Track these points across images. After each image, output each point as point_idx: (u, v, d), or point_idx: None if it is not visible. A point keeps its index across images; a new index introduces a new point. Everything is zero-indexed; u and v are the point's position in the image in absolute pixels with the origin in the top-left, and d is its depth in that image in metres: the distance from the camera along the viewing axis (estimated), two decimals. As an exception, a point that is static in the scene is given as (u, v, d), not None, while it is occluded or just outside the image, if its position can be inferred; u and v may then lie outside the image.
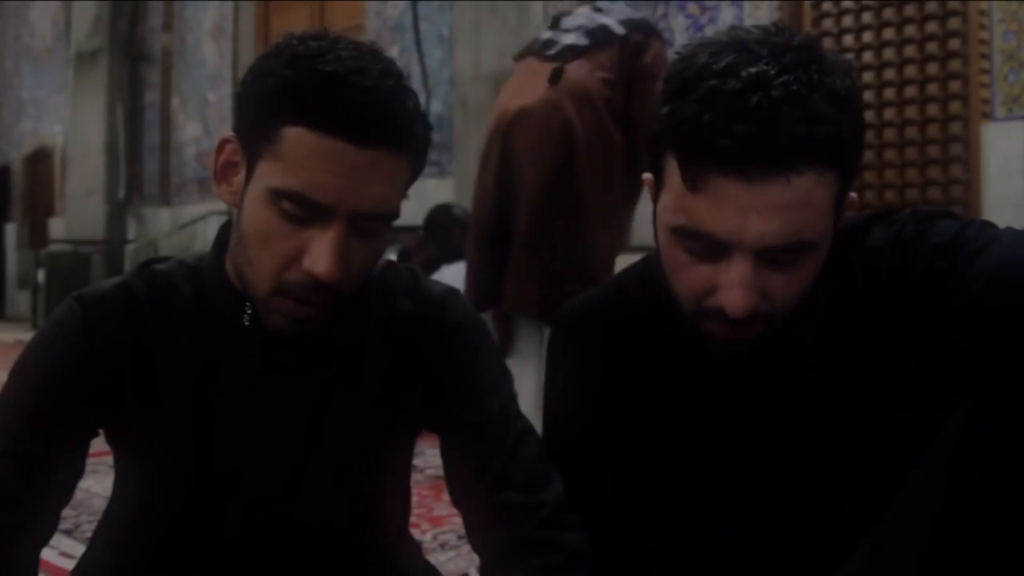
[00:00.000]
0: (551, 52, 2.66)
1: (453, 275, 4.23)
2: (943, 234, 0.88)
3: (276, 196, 0.88)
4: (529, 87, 2.63)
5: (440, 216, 4.57)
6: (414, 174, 0.94)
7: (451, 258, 4.40)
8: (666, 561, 1.05)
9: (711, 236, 0.83)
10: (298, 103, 0.86)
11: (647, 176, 0.94)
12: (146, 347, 0.96)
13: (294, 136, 0.86)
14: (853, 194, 0.90)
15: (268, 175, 0.88)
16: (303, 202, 0.87)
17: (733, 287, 0.83)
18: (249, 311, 0.96)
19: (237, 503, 0.97)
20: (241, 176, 0.93)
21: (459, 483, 1.04)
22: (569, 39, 2.65)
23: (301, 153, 0.86)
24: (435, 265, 4.20)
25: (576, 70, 2.59)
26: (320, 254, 0.87)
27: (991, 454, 0.79)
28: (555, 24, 2.77)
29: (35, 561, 0.95)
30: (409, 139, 0.90)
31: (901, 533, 0.85)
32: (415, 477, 1.37)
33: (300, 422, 0.99)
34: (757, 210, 0.80)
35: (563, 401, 1.10)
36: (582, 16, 2.71)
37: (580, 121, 2.56)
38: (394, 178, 0.90)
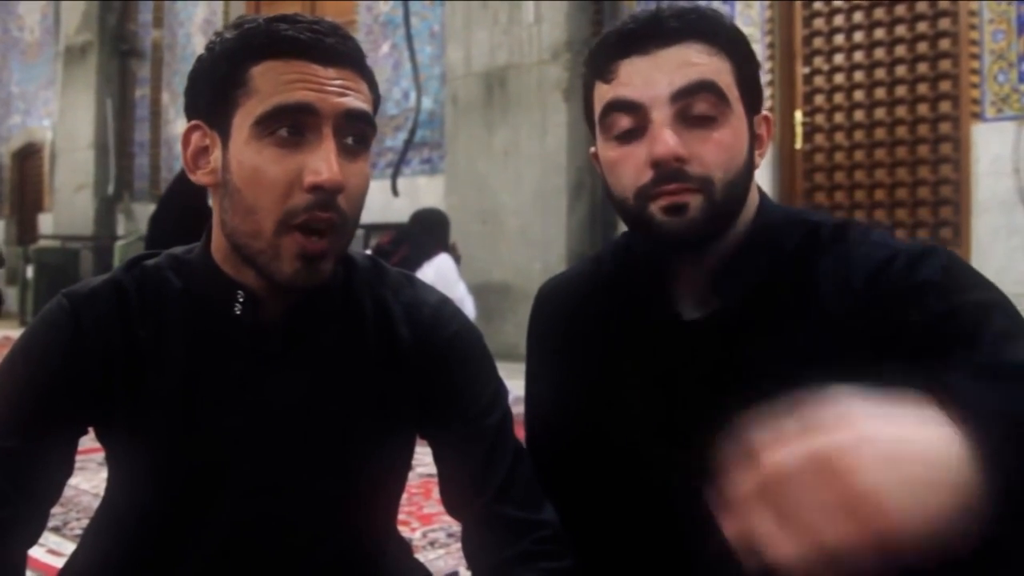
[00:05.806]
0: None
1: (435, 270, 4.24)
2: (932, 271, 0.92)
3: (262, 125, 0.90)
4: None
5: (428, 216, 4.63)
6: (375, 105, 0.98)
7: (430, 254, 4.41)
8: (638, 537, 1.06)
9: (630, 101, 0.97)
10: (257, 43, 0.91)
11: (592, 150, 1.05)
12: (135, 343, 0.96)
13: (262, 69, 0.91)
14: (767, 113, 1.04)
15: (247, 115, 0.91)
16: (288, 112, 0.89)
17: (657, 136, 0.95)
18: (241, 299, 0.96)
19: (225, 497, 0.97)
20: (216, 153, 0.94)
21: (455, 493, 1.04)
22: None
23: (273, 78, 0.90)
24: (413, 263, 4.21)
25: None
26: (320, 162, 0.89)
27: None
28: None
29: (23, 560, 0.94)
30: (365, 68, 0.96)
31: None
32: (405, 475, 1.37)
33: (289, 415, 0.98)
34: (660, 69, 0.96)
35: (539, 370, 1.14)
36: None
37: None
38: (362, 95, 0.94)
